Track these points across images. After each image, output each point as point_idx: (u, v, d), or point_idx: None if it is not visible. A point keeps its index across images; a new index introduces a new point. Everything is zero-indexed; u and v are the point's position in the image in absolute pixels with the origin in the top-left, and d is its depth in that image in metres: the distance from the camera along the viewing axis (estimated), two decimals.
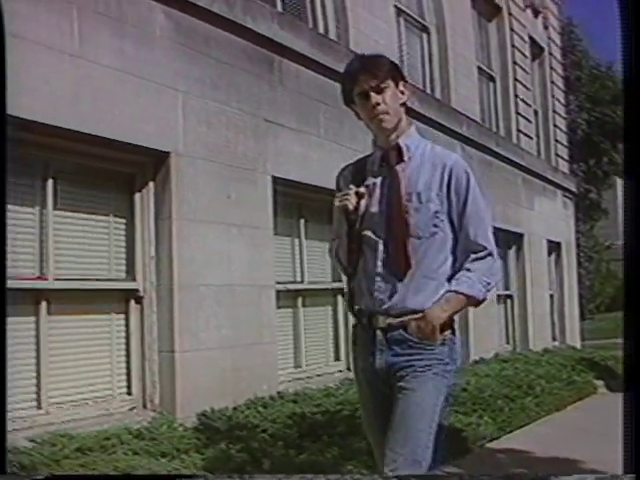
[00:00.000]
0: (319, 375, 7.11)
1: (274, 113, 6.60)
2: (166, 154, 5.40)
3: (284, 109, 6.74)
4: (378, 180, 2.72)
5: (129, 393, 5.28)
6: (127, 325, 5.31)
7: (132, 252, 5.37)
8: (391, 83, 2.67)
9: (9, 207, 4.54)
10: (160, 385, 5.27)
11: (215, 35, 5.97)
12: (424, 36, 10.83)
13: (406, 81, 2.77)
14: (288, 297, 6.88)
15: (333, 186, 2.93)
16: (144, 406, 5.27)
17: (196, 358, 5.41)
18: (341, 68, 7.50)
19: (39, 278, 4.74)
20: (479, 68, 12.34)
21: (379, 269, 2.64)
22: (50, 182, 4.82)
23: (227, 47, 6.09)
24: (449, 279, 2.63)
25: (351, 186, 2.72)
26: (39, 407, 4.68)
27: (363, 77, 2.65)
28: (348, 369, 7.40)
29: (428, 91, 10.47)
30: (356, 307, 2.73)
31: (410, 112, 8.15)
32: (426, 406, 2.52)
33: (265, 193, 6.36)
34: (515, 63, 13.67)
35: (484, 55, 12.97)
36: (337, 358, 7.58)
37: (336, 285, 7.43)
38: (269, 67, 6.61)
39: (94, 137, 4.90)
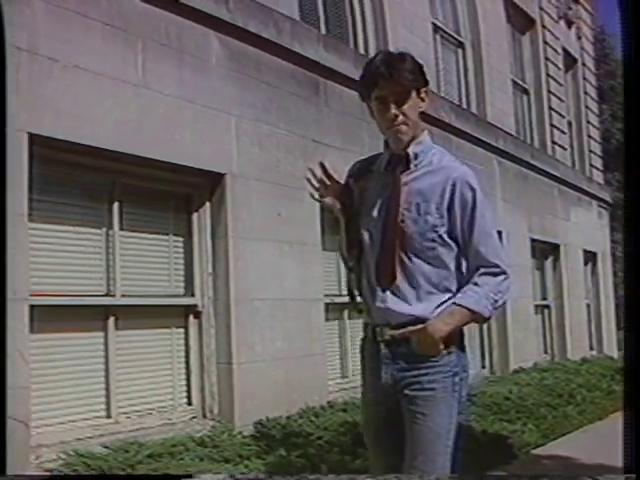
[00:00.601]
0: None
1: (320, 133, 6.86)
2: (221, 175, 5.69)
3: (330, 129, 7.00)
4: (380, 183, 2.66)
5: (189, 403, 5.55)
6: (187, 339, 5.59)
7: (190, 269, 5.65)
8: (413, 92, 2.56)
9: (79, 229, 4.90)
10: (219, 395, 5.54)
11: (265, 60, 6.26)
12: (459, 51, 11.04)
13: (427, 86, 2.64)
14: (335, 310, 7.12)
15: None
16: (204, 415, 5.54)
17: (252, 370, 5.67)
18: None
19: (107, 295, 5.04)
20: (513, 81, 12.52)
21: (374, 275, 2.61)
22: (116, 205, 5.12)
23: (276, 71, 6.37)
24: (452, 294, 2.56)
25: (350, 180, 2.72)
26: (109, 416, 4.96)
27: (385, 83, 2.53)
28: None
29: (464, 106, 10.69)
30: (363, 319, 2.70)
31: (448, 127, 8.41)
32: (440, 429, 2.49)
33: (313, 210, 6.61)
34: (549, 75, 13.83)
35: (518, 68, 13.15)
36: None
37: None
38: (315, 89, 6.89)
39: (155, 161, 5.19)
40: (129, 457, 4.39)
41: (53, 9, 4.56)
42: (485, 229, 2.57)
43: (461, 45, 11.02)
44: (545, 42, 13.93)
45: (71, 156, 4.71)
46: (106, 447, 4.53)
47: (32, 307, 4.27)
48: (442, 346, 2.50)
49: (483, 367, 9.88)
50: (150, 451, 4.49)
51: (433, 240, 2.54)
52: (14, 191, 4.18)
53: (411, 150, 2.61)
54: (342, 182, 2.74)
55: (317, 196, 2.74)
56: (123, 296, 5.08)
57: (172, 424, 5.29)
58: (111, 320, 5.00)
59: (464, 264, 2.60)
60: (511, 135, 11.44)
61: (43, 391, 4.54)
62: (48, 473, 4.17)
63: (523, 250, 11.02)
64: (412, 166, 2.61)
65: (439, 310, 2.52)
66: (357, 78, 7.17)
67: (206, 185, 5.71)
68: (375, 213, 2.64)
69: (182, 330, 5.59)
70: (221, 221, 5.68)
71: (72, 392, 4.77)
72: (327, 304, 6.79)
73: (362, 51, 8.33)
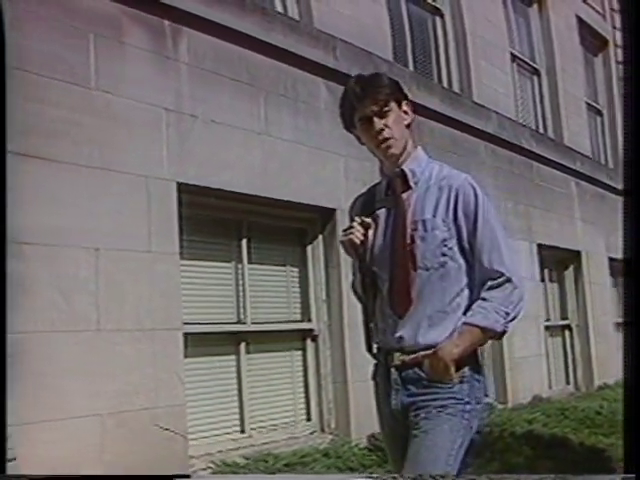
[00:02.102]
0: None
1: None
2: (332, 210, 6.25)
3: None
4: (384, 210, 2.59)
5: (309, 419, 6.09)
6: (305, 360, 6.14)
7: (306, 297, 6.21)
8: (394, 105, 2.55)
9: (212, 263, 5.50)
10: (335, 411, 6.08)
11: None
12: (535, 78, 11.44)
13: (409, 100, 2.66)
14: None
15: None
16: (322, 430, 6.07)
17: (364, 387, 6.15)
18: (468, 120, 8.20)
19: (239, 322, 5.63)
20: (587, 103, 12.83)
21: (388, 304, 2.52)
22: (244, 241, 5.72)
23: None
24: (466, 312, 2.45)
25: (356, 218, 2.62)
26: (242, 431, 5.54)
27: (365, 101, 2.52)
28: (486, 395, 8.11)
29: (541, 130, 11.08)
30: (374, 344, 2.62)
31: (529, 153, 8.83)
32: (439, 450, 2.36)
33: None
34: (622, 95, 14.08)
35: (591, 90, 13.44)
36: None
37: None
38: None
39: (277, 200, 5.77)
40: (268, 467, 4.95)
41: (194, 71, 5.20)
42: (489, 235, 2.46)
43: (536, 72, 11.41)
44: (618, 62, 14.18)
45: (209, 200, 5.31)
46: (246, 458, 5.09)
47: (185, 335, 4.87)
48: (453, 370, 2.41)
49: (568, 383, 10.21)
50: (286, 461, 5.04)
51: (444, 254, 2.45)
52: (167, 234, 4.83)
53: (407, 168, 2.57)
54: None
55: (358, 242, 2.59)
56: (253, 323, 5.67)
57: (296, 438, 5.84)
58: (242, 345, 5.58)
59: (474, 276, 2.49)
60: (587, 157, 11.78)
61: (188, 409, 5.12)
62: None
63: (602, 269, 11.32)
64: (412, 184, 2.55)
65: (450, 333, 2.43)
66: (445, 112, 7.70)
67: (319, 220, 6.28)
68: (381, 241, 2.56)
69: (300, 352, 6.14)
70: (333, 252, 6.22)
71: (212, 409, 5.35)
72: None
73: (446, 84, 8.84)
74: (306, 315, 6.20)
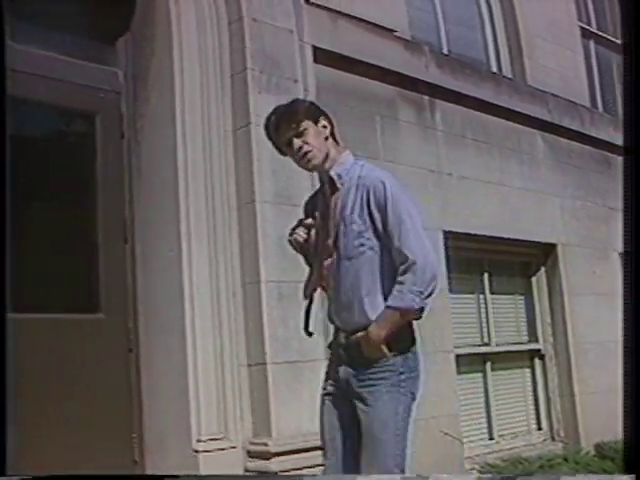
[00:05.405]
0: None
1: (613, 200, 8.15)
2: (553, 245, 7.14)
3: (619, 196, 8.26)
4: (321, 211, 2.94)
5: (539, 428, 6.99)
6: (533, 376, 7.05)
7: (533, 321, 7.13)
8: (309, 123, 2.84)
9: (458, 296, 6.49)
10: (564, 421, 6.94)
11: (573, 147, 7.68)
12: None
13: (326, 115, 2.93)
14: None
15: None
16: (552, 438, 6.95)
17: (586, 400, 7.02)
18: None
19: (484, 345, 6.61)
20: None
21: (327, 292, 2.94)
22: (486, 275, 6.71)
23: (580, 155, 7.77)
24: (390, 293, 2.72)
25: (299, 220, 3.03)
26: (491, 438, 6.50)
27: (282, 128, 2.85)
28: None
29: None
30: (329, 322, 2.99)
31: None
32: (385, 418, 2.71)
33: (615, 266, 7.91)
34: None
35: None
36: None
37: None
38: (607, 165, 8.20)
39: (509, 240, 6.72)
40: (525, 468, 5.87)
41: (447, 136, 6.25)
42: (397, 221, 2.73)
43: None
44: None
45: (461, 242, 6.31)
46: (504, 460, 6.04)
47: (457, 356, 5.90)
48: (385, 349, 2.71)
49: None
50: (539, 464, 5.95)
51: (362, 245, 2.77)
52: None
53: (334, 172, 2.87)
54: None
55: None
56: (497, 345, 6.64)
57: (532, 445, 6.74)
58: (488, 364, 6.56)
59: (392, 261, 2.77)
60: None
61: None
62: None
63: None
64: (339, 186, 2.85)
65: (378, 313, 2.73)
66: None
67: (541, 254, 7.19)
68: (316, 238, 2.94)
69: (529, 370, 7.06)
70: (555, 281, 7.12)
71: (465, 419, 6.33)
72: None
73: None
74: (533, 337, 7.11)
